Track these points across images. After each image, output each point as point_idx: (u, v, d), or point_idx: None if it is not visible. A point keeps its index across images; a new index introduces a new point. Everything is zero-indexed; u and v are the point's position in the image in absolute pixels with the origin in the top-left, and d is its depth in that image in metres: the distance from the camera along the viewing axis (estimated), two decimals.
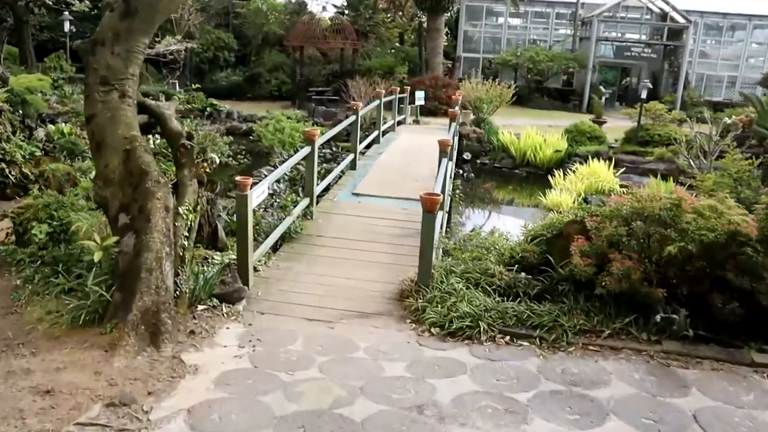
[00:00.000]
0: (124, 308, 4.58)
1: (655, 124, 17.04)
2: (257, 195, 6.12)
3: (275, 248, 7.32)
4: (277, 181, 10.25)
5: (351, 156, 11.05)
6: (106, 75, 5.23)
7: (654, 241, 5.08)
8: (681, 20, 27.77)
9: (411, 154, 12.83)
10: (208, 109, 21.19)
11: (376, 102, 13.86)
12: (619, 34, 30.11)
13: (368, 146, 13.39)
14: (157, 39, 25.72)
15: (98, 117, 5.26)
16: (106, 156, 5.20)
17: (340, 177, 10.62)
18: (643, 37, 30.18)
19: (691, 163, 14.83)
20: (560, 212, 13.44)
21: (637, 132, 16.67)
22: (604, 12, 28.38)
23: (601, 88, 29.95)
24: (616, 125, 21.47)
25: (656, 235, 5.03)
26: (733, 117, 19.75)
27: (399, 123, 17.49)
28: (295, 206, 8.10)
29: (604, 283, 5.02)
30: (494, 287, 5.70)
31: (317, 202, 8.86)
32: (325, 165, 15.51)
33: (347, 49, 27.02)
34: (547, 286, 5.70)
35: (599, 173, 13.68)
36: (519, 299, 5.54)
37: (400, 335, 5.24)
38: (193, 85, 23.17)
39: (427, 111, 22.73)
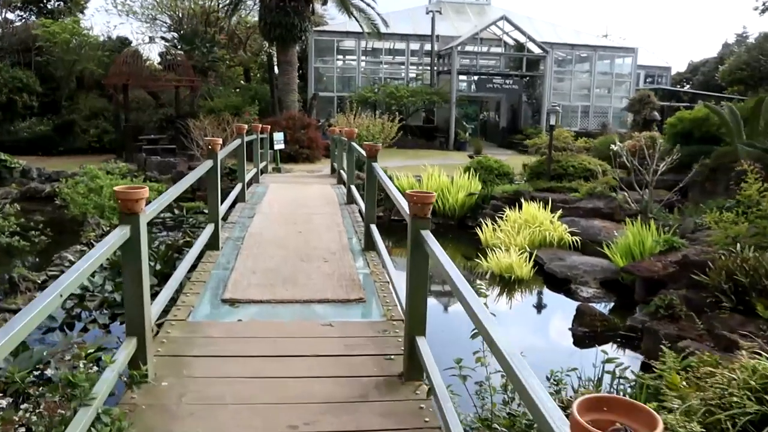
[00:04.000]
0: None
1: (566, 155, 14.21)
2: None
3: None
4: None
5: (209, 228, 6.43)
6: None
7: None
8: (538, 50, 26.28)
9: (297, 216, 8.46)
10: None
11: (237, 141, 9.34)
12: (478, 67, 28.07)
13: (230, 205, 8.83)
14: None
15: None
16: None
17: (194, 266, 5.98)
18: (506, 69, 28.43)
19: (627, 197, 12.00)
20: (513, 278, 9.84)
21: (549, 164, 13.68)
22: (461, 44, 26.15)
23: (464, 123, 27.73)
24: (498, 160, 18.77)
25: None
26: (618, 144, 17.76)
27: (261, 172, 13.04)
28: (103, 367, 3.39)
29: None
30: None
31: (156, 332, 4.25)
32: (163, 238, 10.66)
33: (183, 88, 22.02)
34: None
35: (538, 219, 10.25)
36: None
37: None
38: None
39: (287, 156, 18.58)
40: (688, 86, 37.79)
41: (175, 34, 25.11)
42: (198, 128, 15.13)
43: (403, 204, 4.31)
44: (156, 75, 21.08)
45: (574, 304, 8.11)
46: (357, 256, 6.46)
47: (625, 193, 12.03)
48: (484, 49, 28.37)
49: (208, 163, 6.33)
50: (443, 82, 27.48)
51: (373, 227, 6.56)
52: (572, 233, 9.99)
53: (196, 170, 5.88)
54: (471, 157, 20.62)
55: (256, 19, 23.84)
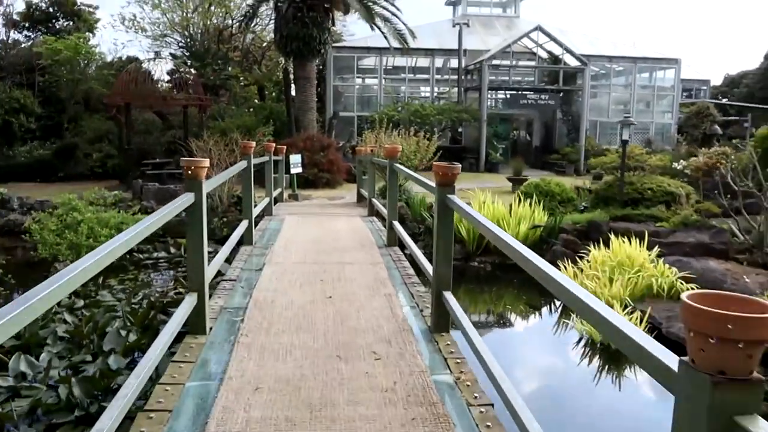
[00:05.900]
0: None
1: (639, 175, 11.67)
2: None
3: None
4: None
5: (189, 300, 3.95)
6: None
7: None
8: (575, 62, 23.85)
9: (323, 268, 5.95)
10: None
11: (242, 164, 6.91)
12: (510, 82, 25.63)
13: (235, 244, 6.37)
14: None
15: None
16: None
17: (172, 351, 3.51)
18: (540, 84, 25.91)
19: (735, 229, 9.39)
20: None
21: (622, 187, 11.11)
22: (491, 57, 23.79)
23: (494, 143, 25.25)
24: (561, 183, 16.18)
25: None
26: (682, 161, 15.20)
27: (274, 200, 10.63)
28: None
29: None
30: None
31: None
32: (157, 281, 8.27)
33: (192, 107, 19.82)
34: None
35: (636, 261, 7.67)
36: None
37: None
38: None
39: (304, 181, 16.29)
40: (725, 100, 35.13)
41: (185, 51, 23.01)
42: (202, 150, 12.79)
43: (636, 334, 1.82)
44: (162, 94, 18.92)
45: None
46: (424, 346, 3.94)
47: (730, 222, 9.46)
48: (515, 62, 26.00)
49: (185, 199, 3.87)
50: (470, 100, 25.16)
51: (449, 296, 4.06)
52: (684, 279, 7.41)
53: (160, 212, 3.41)
54: (510, 180, 18.15)
55: (272, 35, 21.78)
